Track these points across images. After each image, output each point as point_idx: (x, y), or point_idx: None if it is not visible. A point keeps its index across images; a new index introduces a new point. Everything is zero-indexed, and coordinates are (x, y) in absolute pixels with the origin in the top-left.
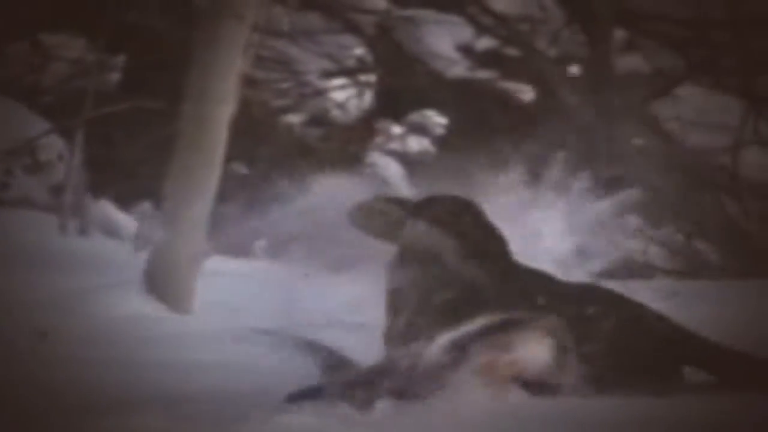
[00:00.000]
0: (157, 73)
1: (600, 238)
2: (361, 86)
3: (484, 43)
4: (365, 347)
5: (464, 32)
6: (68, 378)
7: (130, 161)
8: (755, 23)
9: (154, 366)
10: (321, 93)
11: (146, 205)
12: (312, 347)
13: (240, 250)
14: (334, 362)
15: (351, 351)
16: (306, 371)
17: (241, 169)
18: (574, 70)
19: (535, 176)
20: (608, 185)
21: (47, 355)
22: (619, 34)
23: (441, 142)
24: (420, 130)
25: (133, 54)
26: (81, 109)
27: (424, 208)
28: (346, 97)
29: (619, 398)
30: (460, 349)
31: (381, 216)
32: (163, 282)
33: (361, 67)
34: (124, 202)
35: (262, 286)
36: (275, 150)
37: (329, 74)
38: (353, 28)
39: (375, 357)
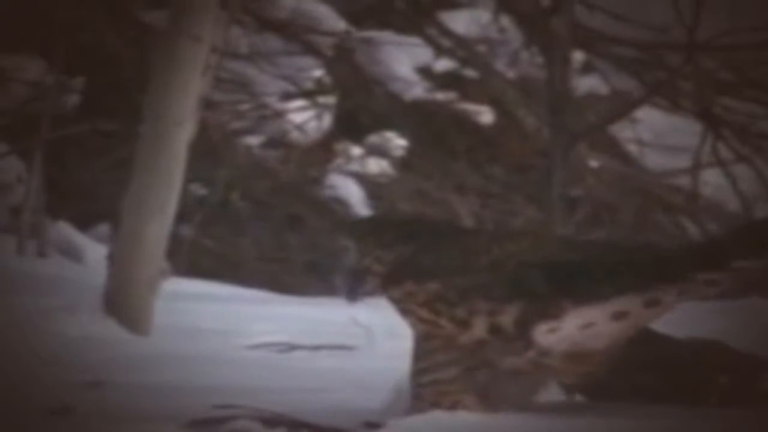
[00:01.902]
0: (116, 95)
1: None
2: (320, 108)
3: (443, 64)
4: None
5: (423, 54)
6: (26, 399)
7: (89, 182)
8: (710, 47)
9: (111, 388)
10: (280, 115)
11: (105, 227)
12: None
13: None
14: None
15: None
16: None
17: (199, 190)
18: (533, 91)
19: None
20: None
21: (4, 378)
22: (578, 55)
23: (400, 163)
24: (379, 151)
25: (92, 76)
26: (39, 130)
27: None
28: (304, 118)
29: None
30: None
31: None
32: (122, 303)
33: (320, 89)
34: (83, 224)
35: (222, 308)
36: (234, 172)
37: (288, 96)
38: (312, 50)
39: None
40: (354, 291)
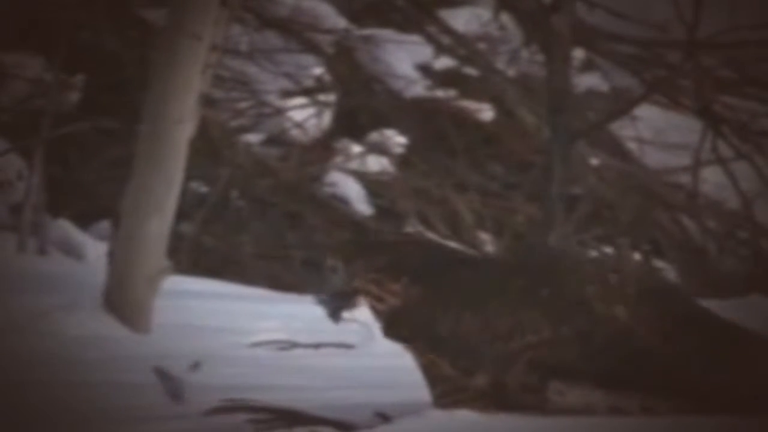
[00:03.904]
0: (116, 93)
1: None
2: (320, 106)
3: (443, 62)
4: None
5: (423, 51)
6: (25, 401)
7: (89, 180)
8: (710, 44)
9: (111, 387)
10: (280, 113)
11: (105, 225)
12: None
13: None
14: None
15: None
16: None
17: (199, 188)
18: (533, 89)
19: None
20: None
21: (3, 378)
22: (578, 53)
23: (400, 161)
24: (379, 149)
25: (92, 74)
26: (40, 128)
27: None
28: (304, 116)
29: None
30: None
31: None
32: (122, 301)
33: (320, 86)
34: (83, 221)
35: (223, 306)
36: (234, 170)
37: (288, 94)
38: (312, 48)
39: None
40: (338, 312)
